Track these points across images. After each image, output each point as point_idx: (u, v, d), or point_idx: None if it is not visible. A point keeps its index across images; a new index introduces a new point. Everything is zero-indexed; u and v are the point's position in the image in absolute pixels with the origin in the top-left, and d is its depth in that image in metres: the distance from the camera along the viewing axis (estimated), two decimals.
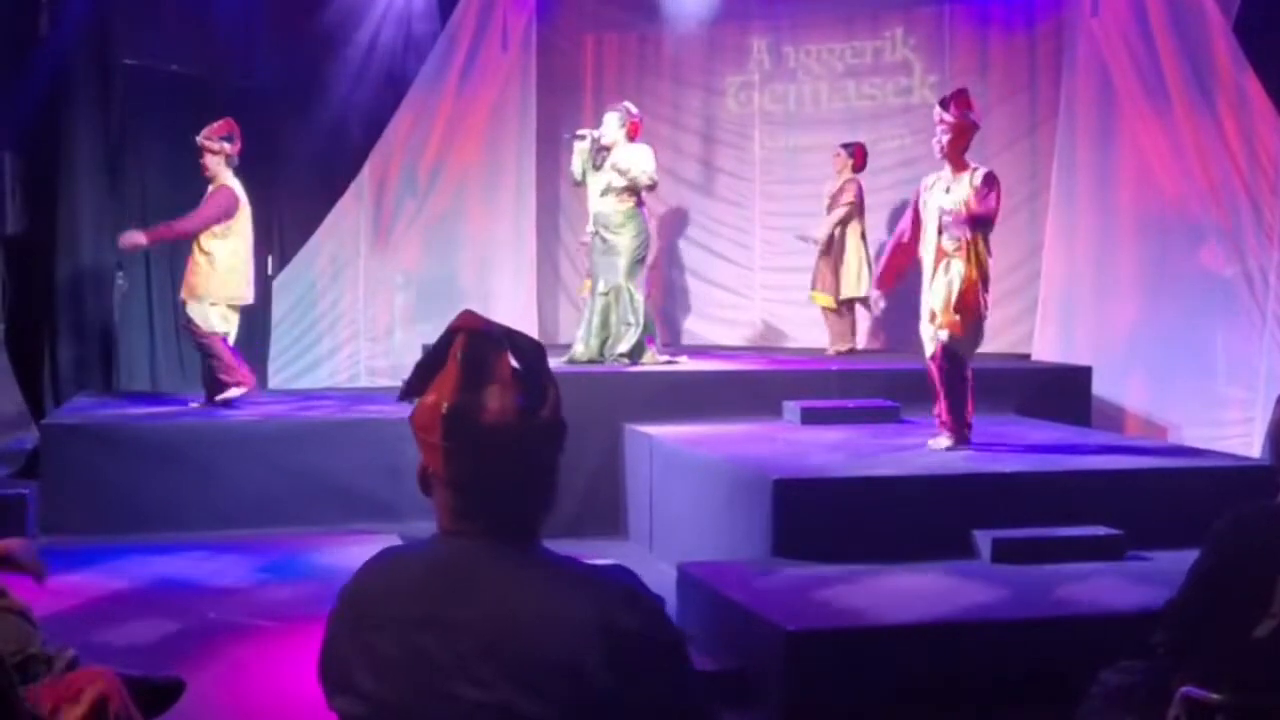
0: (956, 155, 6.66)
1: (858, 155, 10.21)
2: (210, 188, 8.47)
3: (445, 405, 1.86)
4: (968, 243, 6.58)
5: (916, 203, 6.86)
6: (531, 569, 1.85)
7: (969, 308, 6.59)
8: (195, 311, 8.41)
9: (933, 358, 6.76)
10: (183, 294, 8.53)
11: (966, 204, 6.54)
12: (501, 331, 1.92)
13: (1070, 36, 9.89)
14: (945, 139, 6.61)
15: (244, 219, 8.53)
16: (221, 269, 8.39)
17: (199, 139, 8.44)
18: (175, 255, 10.18)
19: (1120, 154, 9.53)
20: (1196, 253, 9.09)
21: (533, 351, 1.92)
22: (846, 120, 11.05)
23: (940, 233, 6.64)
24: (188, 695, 4.10)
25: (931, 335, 6.73)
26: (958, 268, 6.58)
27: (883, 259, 7.39)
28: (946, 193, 6.65)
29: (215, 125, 8.48)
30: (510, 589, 1.82)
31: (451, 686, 1.79)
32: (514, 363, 1.90)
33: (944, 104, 6.71)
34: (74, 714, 3.22)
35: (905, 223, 6.95)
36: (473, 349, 1.89)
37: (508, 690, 1.76)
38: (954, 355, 6.68)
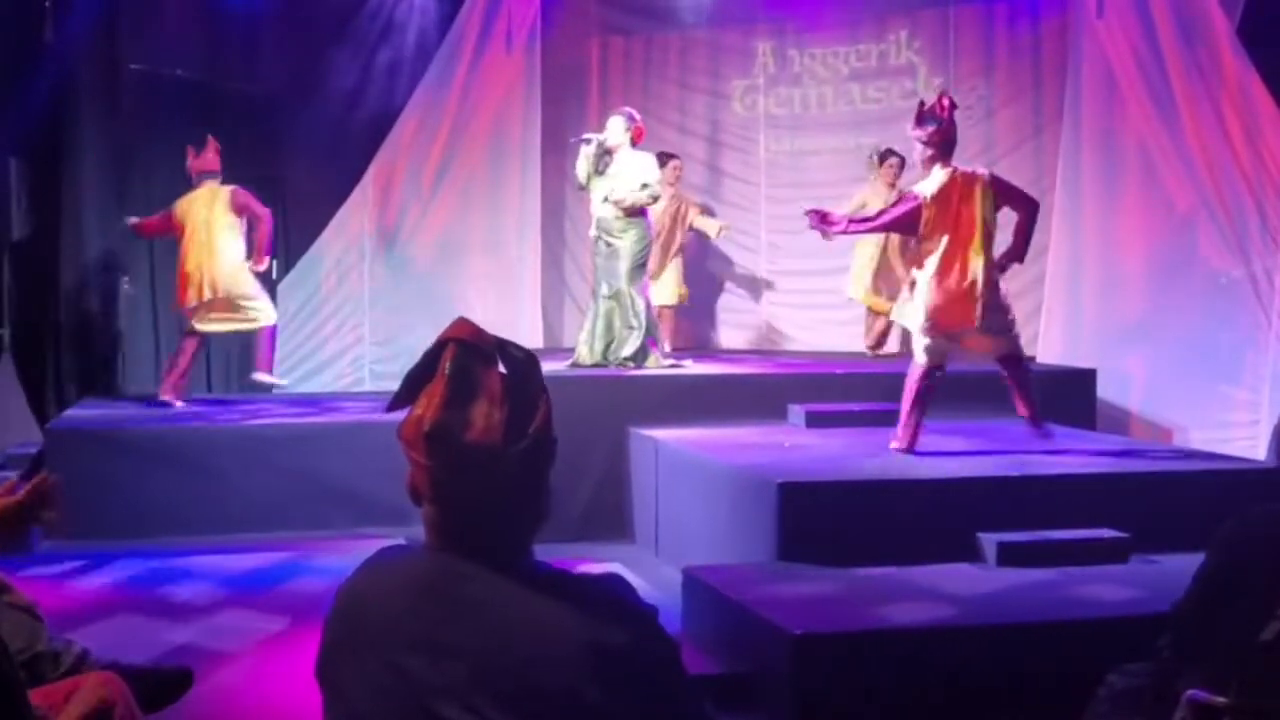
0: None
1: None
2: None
3: (428, 423, 1.82)
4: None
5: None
6: (520, 589, 1.82)
7: None
8: None
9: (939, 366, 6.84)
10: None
11: None
12: (493, 343, 1.87)
13: (1075, 39, 9.88)
14: (927, 154, 6.73)
15: None
16: None
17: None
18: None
19: (1125, 156, 9.52)
20: (1201, 255, 9.08)
21: (525, 364, 1.87)
22: (852, 124, 11.06)
23: None
24: (193, 698, 4.11)
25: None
26: None
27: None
28: None
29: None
30: (499, 611, 1.79)
31: (441, 710, 1.77)
32: (504, 375, 1.85)
33: (920, 120, 6.78)
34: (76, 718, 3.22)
35: (899, 212, 6.89)
36: (462, 361, 1.84)
37: (498, 716, 1.74)
38: None
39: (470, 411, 1.82)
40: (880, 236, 9.93)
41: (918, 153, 6.78)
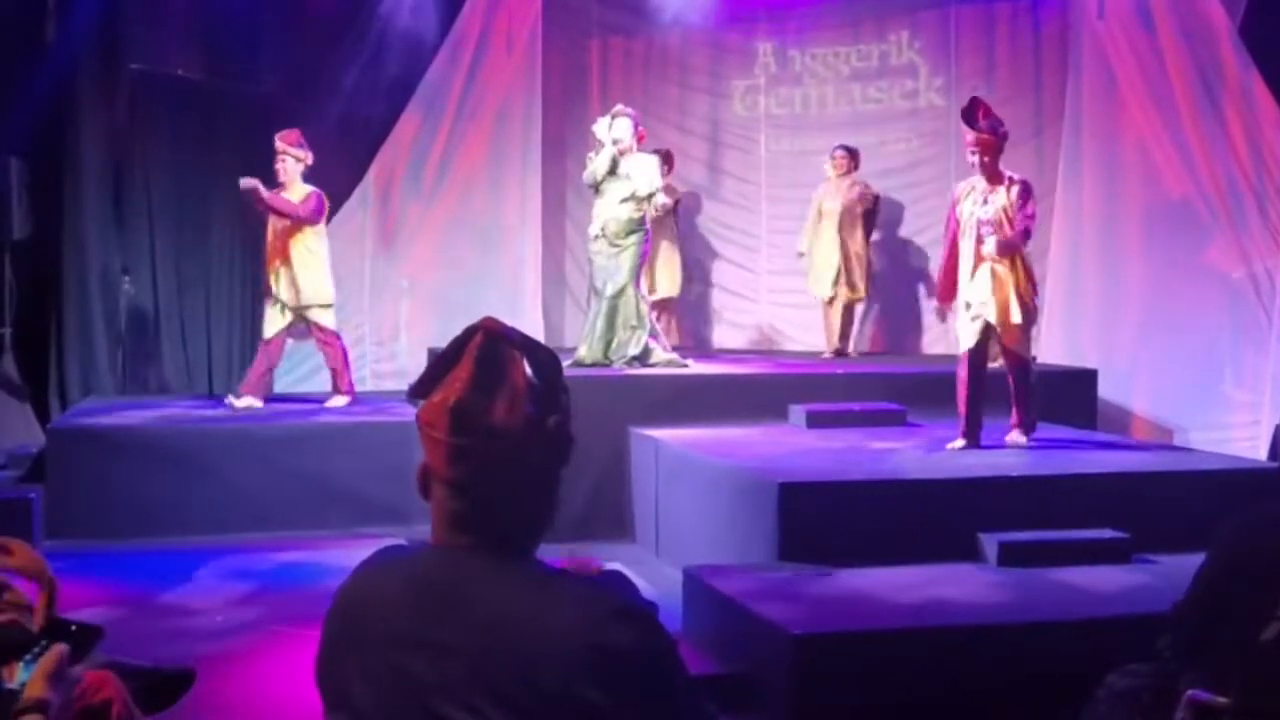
0: (995, 169, 6.81)
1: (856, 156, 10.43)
2: (288, 192, 8.65)
3: (453, 399, 1.83)
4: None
5: (954, 212, 6.94)
6: (520, 587, 1.82)
7: (1026, 310, 6.85)
8: (324, 316, 8.79)
9: (996, 361, 7.07)
10: (299, 300, 8.67)
11: (1006, 218, 6.72)
12: (521, 338, 1.90)
13: (1076, 39, 9.89)
14: (984, 159, 6.76)
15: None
16: (326, 270, 8.81)
17: (279, 141, 8.65)
18: (180, 257, 10.22)
19: (1126, 156, 9.53)
20: (1202, 255, 9.09)
21: (550, 363, 1.90)
22: (852, 123, 11.04)
23: (980, 241, 6.76)
24: (192, 698, 4.10)
25: (974, 332, 6.88)
26: (1003, 273, 6.76)
27: (941, 274, 7.30)
28: (984, 204, 6.78)
29: (290, 133, 8.75)
30: (499, 610, 1.79)
31: (441, 709, 1.77)
32: (529, 371, 1.87)
33: (970, 120, 6.79)
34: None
35: (950, 234, 7.08)
36: (489, 349, 1.87)
37: (497, 715, 1.74)
38: (1019, 357, 6.99)
39: (494, 397, 1.84)
40: (838, 231, 10.10)
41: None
